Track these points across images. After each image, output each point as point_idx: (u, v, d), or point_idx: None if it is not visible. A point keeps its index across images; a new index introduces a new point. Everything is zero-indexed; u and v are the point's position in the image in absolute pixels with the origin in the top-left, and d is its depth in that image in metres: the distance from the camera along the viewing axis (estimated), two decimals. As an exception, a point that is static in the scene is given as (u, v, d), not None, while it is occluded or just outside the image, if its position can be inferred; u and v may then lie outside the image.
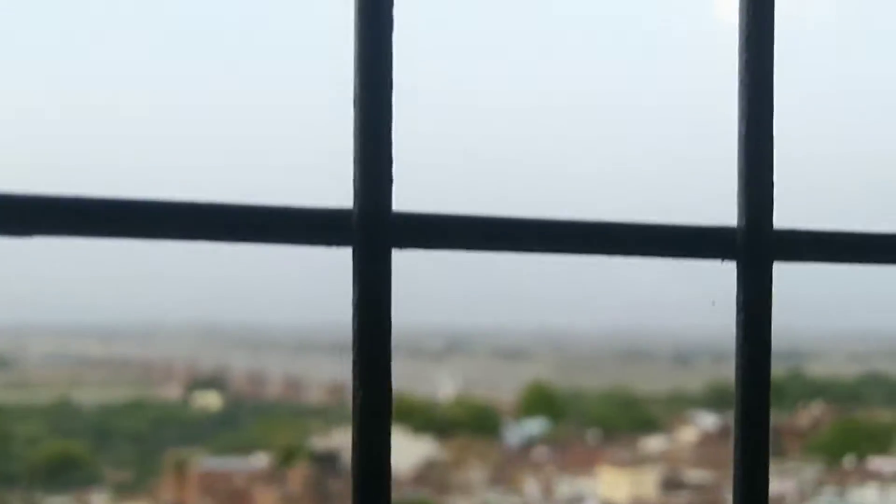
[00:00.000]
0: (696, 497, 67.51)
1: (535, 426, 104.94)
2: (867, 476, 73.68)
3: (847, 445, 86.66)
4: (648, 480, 69.57)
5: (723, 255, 1.22)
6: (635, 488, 68.50)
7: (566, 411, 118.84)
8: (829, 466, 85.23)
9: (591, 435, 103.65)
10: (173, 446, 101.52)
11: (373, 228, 1.02)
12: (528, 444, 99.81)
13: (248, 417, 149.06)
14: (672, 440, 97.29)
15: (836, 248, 1.29)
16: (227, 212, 0.89)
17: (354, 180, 1.02)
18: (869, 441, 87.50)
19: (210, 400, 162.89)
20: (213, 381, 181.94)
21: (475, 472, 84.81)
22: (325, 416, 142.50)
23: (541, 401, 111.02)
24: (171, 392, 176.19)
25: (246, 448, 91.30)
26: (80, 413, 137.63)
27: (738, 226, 1.20)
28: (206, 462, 78.53)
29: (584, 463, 79.64)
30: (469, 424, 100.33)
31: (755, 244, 1.19)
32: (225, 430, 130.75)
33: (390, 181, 1.01)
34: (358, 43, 0.96)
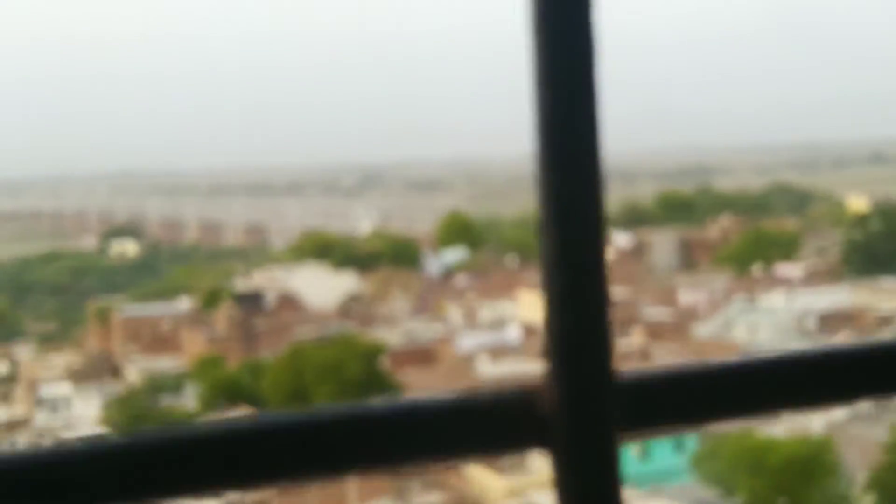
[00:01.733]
0: (614, 311, 69.16)
1: (453, 255, 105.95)
2: (775, 282, 76.09)
3: (755, 254, 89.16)
4: (567, 300, 70.88)
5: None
6: (554, 308, 69.83)
7: (484, 239, 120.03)
8: (738, 275, 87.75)
9: (510, 260, 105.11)
10: (94, 296, 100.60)
11: None
12: (448, 273, 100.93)
13: (167, 263, 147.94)
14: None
15: None
16: None
17: None
18: (775, 249, 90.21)
19: (127, 248, 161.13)
20: (128, 229, 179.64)
21: (397, 303, 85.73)
22: (244, 257, 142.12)
23: (458, 230, 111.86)
24: (87, 242, 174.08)
25: (168, 293, 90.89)
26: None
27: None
28: (129, 309, 78.04)
29: (504, 288, 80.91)
30: (389, 257, 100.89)
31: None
32: (144, 276, 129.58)
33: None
34: None
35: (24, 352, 78.18)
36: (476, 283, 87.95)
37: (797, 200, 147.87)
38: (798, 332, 63.72)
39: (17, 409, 55.36)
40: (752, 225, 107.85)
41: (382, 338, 57.69)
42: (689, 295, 77.73)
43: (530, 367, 54.88)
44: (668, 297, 76.45)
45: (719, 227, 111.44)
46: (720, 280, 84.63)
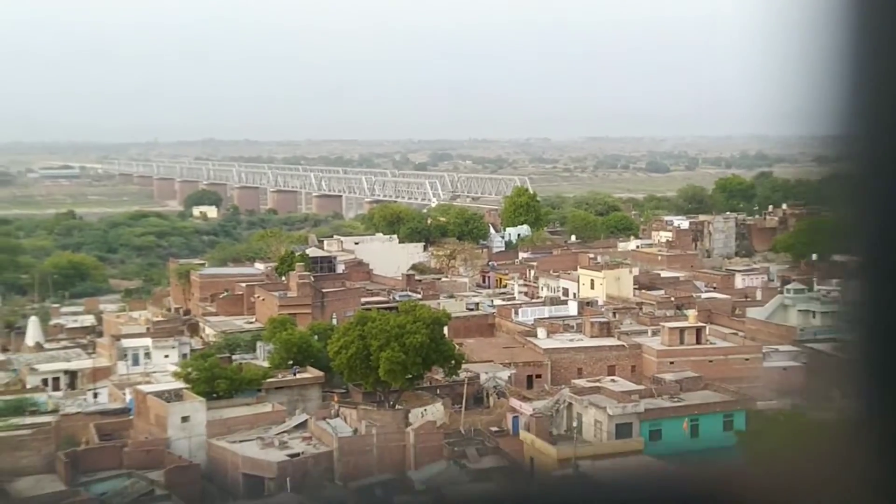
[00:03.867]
0: (670, 293, 68.60)
1: (517, 232, 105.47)
2: (832, 271, 74.66)
3: (813, 243, 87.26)
4: (625, 279, 70.47)
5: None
6: (613, 288, 69.43)
7: (547, 217, 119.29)
8: (795, 263, 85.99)
9: (571, 239, 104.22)
10: (175, 256, 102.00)
11: None
12: (512, 249, 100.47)
13: (244, 228, 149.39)
14: (647, 243, 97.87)
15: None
16: None
17: None
18: (834, 237, 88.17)
19: (208, 212, 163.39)
20: (209, 195, 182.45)
21: (462, 276, 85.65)
22: (317, 225, 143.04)
23: (523, 208, 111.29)
24: (171, 205, 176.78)
25: (244, 256, 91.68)
26: (85, 226, 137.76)
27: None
28: (208, 270, 79.09)
29: (565, 266, 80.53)
30: (455, 231, 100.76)
31: None
32: (223, 240, 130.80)
33: None
34: None
35: (109, 306, 79.80)
36: (537, 259, 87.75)
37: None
38: (851, 320, 62.35)
39: (100, 360, 56.47)
40: (811, 214, 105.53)
41: (446, 307, 57.78)
42: (747, 279, 76.69)
43: (586, 343, 54.68)
44: (726, 281, 75.57)
45: (778, 214, 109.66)
46: (778, 266, 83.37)
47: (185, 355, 54.53)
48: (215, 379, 44.67)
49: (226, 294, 69.63)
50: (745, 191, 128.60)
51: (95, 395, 49.48)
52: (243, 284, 68.95)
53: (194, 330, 64.63)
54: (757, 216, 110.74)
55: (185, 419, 40.53)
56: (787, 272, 77.01)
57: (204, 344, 59.39)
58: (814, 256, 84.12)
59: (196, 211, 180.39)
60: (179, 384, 44.91)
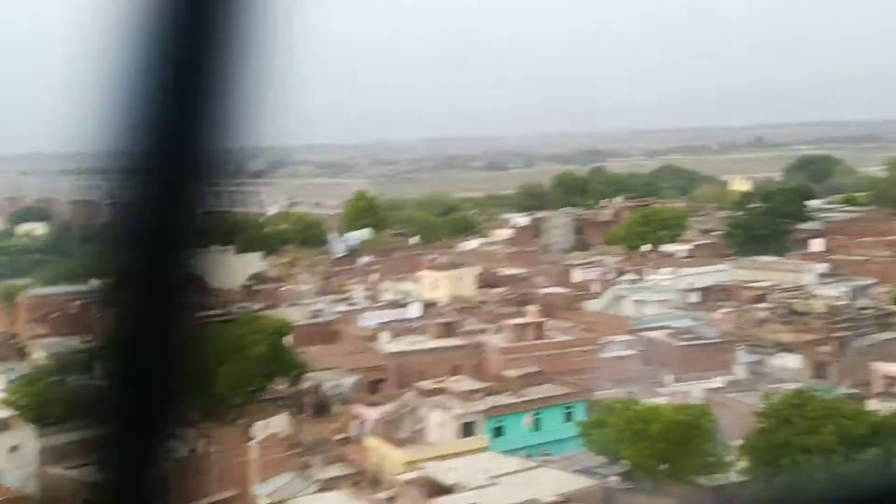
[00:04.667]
0: (511, 290, 69.76)
1: (359, 236, 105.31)
2: (662, 260, 77.42)
3: (644, 234, 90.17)
4: (467, 279, 71.30)
5: None
6: (455, 288, 70.15)
7: (388, 220, 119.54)
8: (628, 254, 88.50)
9: (413, 241, 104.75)
10: (1, 277, 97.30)
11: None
12: (353, 253, 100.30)
13: (77, 245, 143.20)
14: (488, 241, 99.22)
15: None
16: None
17: None
18: (664, 228, 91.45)
19: (35, 229, 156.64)
20: (39, 212, 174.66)
21: (304, 283, 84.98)
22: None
23: (364, 212, 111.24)
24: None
25: (77, 276, 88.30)
26: None
27: None
28: (37, 290, 75.95)
29: (407, 268, 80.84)
30: (296, 238, 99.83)
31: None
32: (54, 257, 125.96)
33: None
34: None
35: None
36: (379, 262, 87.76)
37: (684, 182, 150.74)
38: (681, 307, 64.89)
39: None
40: (642, 206, 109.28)
41: (288, 316, 57.12)
42: (583, 273, 78.61)
43: (430, 345, 54.98)
44: (564, 276, 77.26)
45: (611, 208, 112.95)
46: (612, 258, 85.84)
47: (11, 381, 52.15)
48: (48, 404, 42.91)
49: (58, 314, 66.99)
50: (581, 186, 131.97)
51: (-85, 429, 46.77)
52: (77, 303, 66.51)
53: (23, 353, 61.93)
54: (592, 210, 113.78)
55: (13, 449, 38.83)
56: (621, 263, 79.45)
57: (34, 368, 56.93)
58: (645, 247, 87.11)
59: (22, 228, 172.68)
60: (6, 412, 42.96)
